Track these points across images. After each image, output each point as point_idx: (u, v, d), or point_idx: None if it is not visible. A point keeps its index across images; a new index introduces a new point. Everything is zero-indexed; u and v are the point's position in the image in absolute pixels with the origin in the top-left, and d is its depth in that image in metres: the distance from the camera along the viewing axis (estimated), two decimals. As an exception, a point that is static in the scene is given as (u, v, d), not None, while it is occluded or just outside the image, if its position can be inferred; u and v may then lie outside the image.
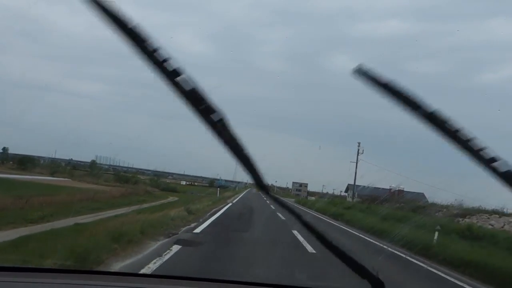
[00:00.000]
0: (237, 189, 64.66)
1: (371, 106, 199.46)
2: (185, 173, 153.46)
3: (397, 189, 73.26)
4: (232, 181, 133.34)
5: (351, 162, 46.16)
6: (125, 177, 71.25)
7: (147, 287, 1.85)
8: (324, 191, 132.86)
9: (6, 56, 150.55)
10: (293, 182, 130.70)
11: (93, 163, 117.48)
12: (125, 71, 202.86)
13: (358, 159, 48.59)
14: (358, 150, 45.00)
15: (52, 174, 68.66)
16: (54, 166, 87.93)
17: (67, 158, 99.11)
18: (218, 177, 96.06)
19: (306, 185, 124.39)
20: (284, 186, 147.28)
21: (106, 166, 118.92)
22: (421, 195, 74.05)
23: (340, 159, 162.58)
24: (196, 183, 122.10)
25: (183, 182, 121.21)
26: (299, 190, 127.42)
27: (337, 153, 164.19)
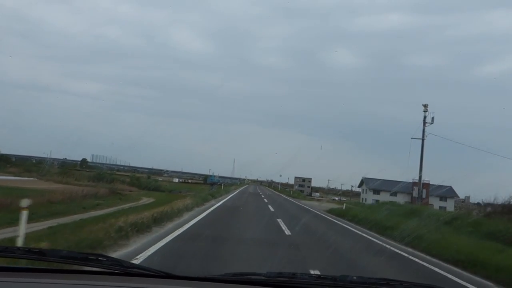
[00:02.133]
0: (222, 187, 48.86)
1: (374, 100, 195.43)
2: (183, 171, 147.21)
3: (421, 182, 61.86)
4: (230, 178, 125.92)
5: (412, 138, 29.85)
6: (100, 175, 59.71)
7: (148, 286, 1.81)
8: (330, 187, 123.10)
9: (4, 56, 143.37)
10: (295, 177, 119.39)
11: (83, 161, 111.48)
12: (124, 71, 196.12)
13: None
14: (425, 118, 31.46)
15: (19, 173, 62.13)
16: (29, 165, 79.73)
17: (62, 158, 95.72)
18: (211, 173, 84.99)
19: (309, 180, 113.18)
20: (285, 181, 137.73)
21: (99, 165, 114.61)
22: (450, 190, 63.09)
23: (343, 154, 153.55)
24: (190, 181, 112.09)
25: (176, 180, 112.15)
26: (302, 186, 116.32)
27: (340, 148, 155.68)
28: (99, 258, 1.94)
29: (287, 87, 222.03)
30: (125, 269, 1.93)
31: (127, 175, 70.57)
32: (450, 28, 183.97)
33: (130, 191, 51.57)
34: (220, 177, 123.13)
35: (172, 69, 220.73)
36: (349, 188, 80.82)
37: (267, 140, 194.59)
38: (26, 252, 1.97)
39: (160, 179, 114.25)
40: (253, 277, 1.99)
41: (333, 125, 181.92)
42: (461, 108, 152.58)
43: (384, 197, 61.38)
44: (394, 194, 60.39)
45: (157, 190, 59.48)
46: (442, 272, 9.10)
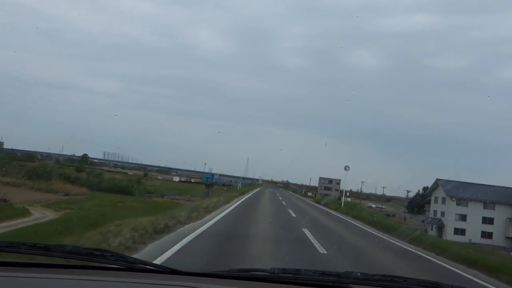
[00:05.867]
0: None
1: (397, 102, 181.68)
2: (196, 170, 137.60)
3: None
4: (243, 178, 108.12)
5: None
6: (45, 169, 39.77)
7: (153, 282, 1.77)
8: (364, 191, 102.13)
9: (25, 54, 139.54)
10: (320, 178, 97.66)
11: (84, 157, 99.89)
12: (143, 70, 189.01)
13: None
14: None
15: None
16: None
17: (71, 154, 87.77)
18: (208, 171, 64.18)
19: (338, 182, 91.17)
20: (300, 183, 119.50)
21: (106, 162, 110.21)
22: None
23: (368, 156, 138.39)
24: (193, 180, 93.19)
25: (176, 178, 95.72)
26: (329, 189, 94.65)
27: (364, 151, 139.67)
28: (104, 254, 1.90)
29: (307, 88, 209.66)
30: (129, 265, 1.89)
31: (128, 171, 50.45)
32: (474, 29, 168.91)
33: (66, 195, 31.35)
34: (233, 177, 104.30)
35: (192, 68, 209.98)
36: (408, 196, 58.81)
37: (283, 141, 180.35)
38: (32, 247, 1.92)
39: (160, 177, 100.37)
40: (257, 273, 1.97)
41: (356, 127, 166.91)
42: (484, 110, 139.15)
43: (474, 210, 39.66)
44: (490, 206, 38.88)
45: (123, 193, 39.40)
46: None
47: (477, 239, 38.92)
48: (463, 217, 40.46)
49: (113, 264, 1.86)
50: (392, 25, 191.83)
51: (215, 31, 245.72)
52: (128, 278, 1.76)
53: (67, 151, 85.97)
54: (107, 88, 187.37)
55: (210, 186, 46.32)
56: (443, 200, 42.25)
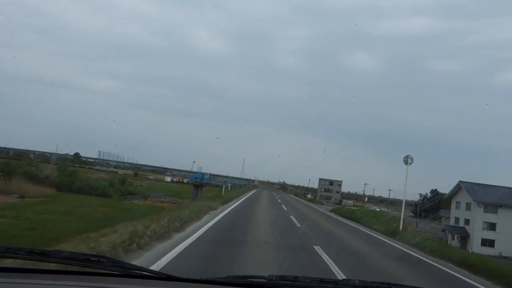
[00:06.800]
0: None
1: (394, 105, 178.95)
2: (192, 170, 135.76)
3: None
4: (239, 178, 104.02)
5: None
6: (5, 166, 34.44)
7: None
8: (366, 193, 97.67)
9: (22, 52, 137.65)
10: (320, 179, 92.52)
11: (76, 156, 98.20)
12: (141, 69, 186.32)
13: None
14: None
15: None
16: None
17: (65, 153, 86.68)
18: (198, 170, 58.57)
19: (339, 184, 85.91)
20: (297, 184, 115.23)
21: (99, 161, 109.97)
22: None
23: (368, 159, 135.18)
24: (185, 180, 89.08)
25: (168, 179, 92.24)
26: (329, 191, 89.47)
27: (364, 153, 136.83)
28: (101, 260, 1.89)
29: (306, 90, 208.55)
30: (126, 271, 1.88)
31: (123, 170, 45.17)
32: (474, 33, 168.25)
33: (22, 197, 26.05)
34: (227, 177, 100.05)
35: (190, 68, 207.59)
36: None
37: (281, 142, 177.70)
38: (29, 253, 1.90)
39: (151, 177, 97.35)
40: (255, 280, 1.96)
41: (355, 130, 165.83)
42: (483, 114, 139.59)
43: (505, 217, 34.73)
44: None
45: (98, 194, 34.23)
46: None
47: (509, 252, 34.01)
48: (492, 226, 35.43)
49: (110, 270, 1.84)
50: (392, 28, 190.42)
51: (214, 31, 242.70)
52: (125, 284, 1.76)
53: (63, 150, 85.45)
54: (104, 87, 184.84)
55: (199, 187, 41.18)
56: (467, 205, 36.95)
